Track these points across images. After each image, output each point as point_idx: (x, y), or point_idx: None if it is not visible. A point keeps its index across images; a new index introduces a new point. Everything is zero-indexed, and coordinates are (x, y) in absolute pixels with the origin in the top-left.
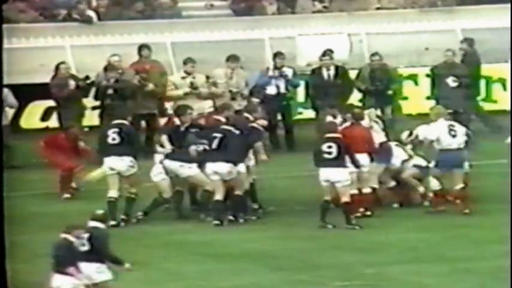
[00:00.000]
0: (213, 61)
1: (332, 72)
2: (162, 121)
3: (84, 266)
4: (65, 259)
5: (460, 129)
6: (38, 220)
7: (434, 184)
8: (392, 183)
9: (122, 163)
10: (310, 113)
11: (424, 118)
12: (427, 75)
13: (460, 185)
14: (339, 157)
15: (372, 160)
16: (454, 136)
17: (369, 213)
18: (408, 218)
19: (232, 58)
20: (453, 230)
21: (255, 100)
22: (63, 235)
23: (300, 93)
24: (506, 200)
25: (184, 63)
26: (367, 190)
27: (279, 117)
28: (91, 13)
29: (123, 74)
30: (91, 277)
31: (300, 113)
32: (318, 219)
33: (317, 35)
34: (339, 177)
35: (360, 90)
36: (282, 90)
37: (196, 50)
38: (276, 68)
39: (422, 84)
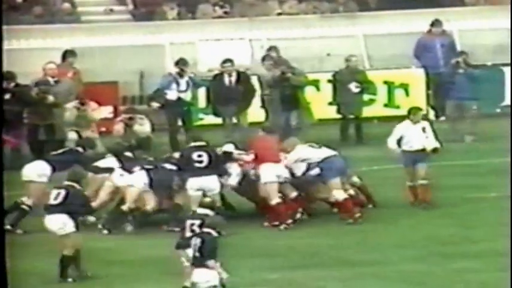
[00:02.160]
0: (114, 67)
1: (234, 78)
2: None
3: None
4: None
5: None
6: None
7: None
8: (294, 194)
9: (33, 170)
10: (211, 119)
11: (326, 123)
12: (329, 81)
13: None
14: (210, 165)
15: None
16: (319, 147)
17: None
18: (311, 223)
19: (129, 111)
20: (357, 235)
21: (155, 105)
22: (207, 229)
23: (201, 99)
24: (409, 203)
25: (76, 98)
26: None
27: (180, 122)
28: None
29: (58, 82)
30: None
31: (201, 119)
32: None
33: (218, 40)
34: (212, 186)
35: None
36: (183, 95)
37: (95, 55)
38: (178, 74)
39: (324, 90)
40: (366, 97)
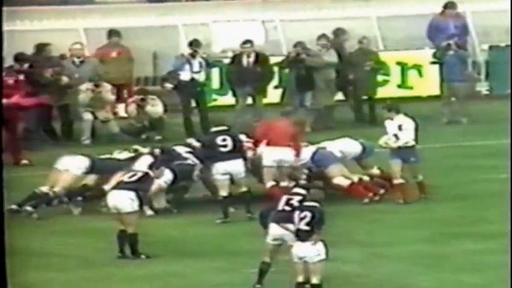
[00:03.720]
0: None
1: (252, 59)
2: (121, 107)
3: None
4: None
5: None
6: None
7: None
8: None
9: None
10: (225, 100)
11: (340, 104)
12: None
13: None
14: (234, 149)
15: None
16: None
17: None
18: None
19: (142, 91)
20: (368, 216)
21: (169, 86)
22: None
23: (215, 80)
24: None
25: (90, 80)
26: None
27: (193, 103)
28: None
29: (83, 62)
30: None
31: (215, 100)
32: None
33: (231, 21)
34: (238, 169)
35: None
36: (196, 75)
37: None
38: (191, 55)
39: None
40: (380, 78)
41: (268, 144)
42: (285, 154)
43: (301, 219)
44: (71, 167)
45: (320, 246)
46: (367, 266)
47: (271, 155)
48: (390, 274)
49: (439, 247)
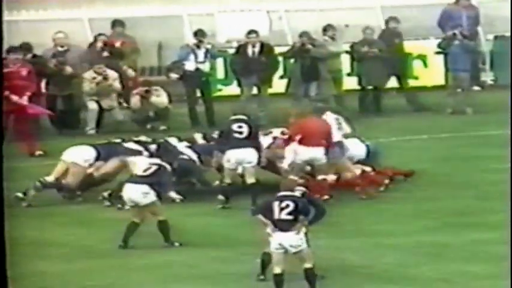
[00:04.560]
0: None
1: (257, 49)
2: None
3: None
4: None
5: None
6: None
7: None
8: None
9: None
10: (230, 90)
11: (346, 94)
12: (347, 52)
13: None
14: (250, 137)
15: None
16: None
17: (326, 197)
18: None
19: (146, 83)
20: (374, 206)
21: (174, 76)
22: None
23: (220, 70)
24: (425, 174)
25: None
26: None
27: (198, 93)
28: None
29: (67, 51)
30: None
31: (220, 90)
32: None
33: (236, 11)
34: (250, 158)
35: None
36: (201, 65)
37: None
38: (196, 45)
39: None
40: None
41: (300, 142)
42: (317, 153)
43: (282, 209)
44: (79, 159)
45: (302, 235)
46: (371, 256)
47: (304, 154)
48: (394, 264)
49: (444, 237)
